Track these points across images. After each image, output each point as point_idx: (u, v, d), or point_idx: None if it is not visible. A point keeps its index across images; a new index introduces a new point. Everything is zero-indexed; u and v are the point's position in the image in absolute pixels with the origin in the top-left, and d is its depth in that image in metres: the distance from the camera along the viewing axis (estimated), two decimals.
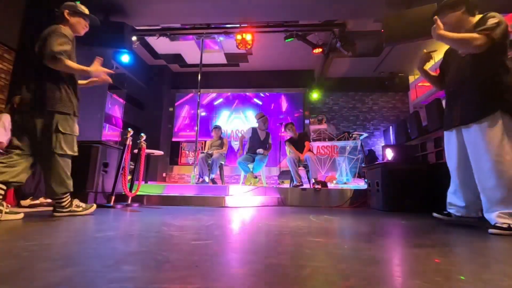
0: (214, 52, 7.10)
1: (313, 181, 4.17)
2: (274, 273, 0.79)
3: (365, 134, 6.17)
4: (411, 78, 7.60)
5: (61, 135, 1.90)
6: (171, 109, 8.30)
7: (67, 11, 2.02)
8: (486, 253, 1.20)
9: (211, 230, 1.58)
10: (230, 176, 7.36)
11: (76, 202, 2.09)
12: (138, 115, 7.55)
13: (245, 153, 4.84)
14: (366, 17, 4.80)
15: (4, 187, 1.79)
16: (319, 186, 4.00)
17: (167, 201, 3.45)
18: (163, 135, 7.78)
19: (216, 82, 8.16)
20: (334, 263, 0.92)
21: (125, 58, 5.83)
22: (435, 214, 2.08)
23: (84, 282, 0.68)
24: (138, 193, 3.28)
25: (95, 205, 2.21)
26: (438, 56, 2.87)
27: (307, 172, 4.42)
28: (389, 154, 4.63)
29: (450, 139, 1.88)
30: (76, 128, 2.02)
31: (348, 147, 5.55)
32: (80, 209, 2.08)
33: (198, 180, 4.83)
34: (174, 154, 8.07)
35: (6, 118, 2.68)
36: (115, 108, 6.95)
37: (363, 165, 5.47)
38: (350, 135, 5.72)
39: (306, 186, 4.22)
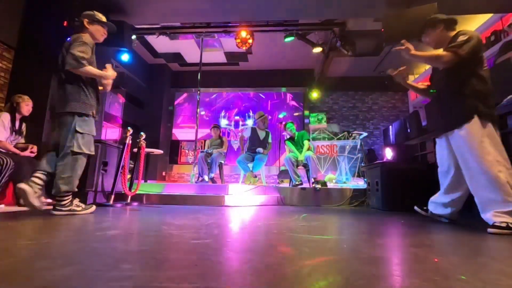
0: (214, 51, 7.10)
1: (313, 180, 4.17)
2: (274, 272, 0.79)
3: (365, 134, 6.16)
4: (411, 78, 7.60)
5: (79, 134, 2.05)
6: (170, 108, 8.29)
7: (86, 20, 2.18)
8: (485, 252, 1.20)
9: (210, 229, 1.58)
10: (229, 175, 7.37)
11: (76, 201, 2.13)
12: (137, 114, 7.54)
13: (245, 152, 4.85)
14: (366, 16, 4.79)
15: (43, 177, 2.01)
16: (319, 186, 4.00)
17: (166, 200, 3.45)
18: (162, 134, 7.78)
19: (216, 81, 8.16)
20: (333, 262, 0.92)
21: (125, 57, 5.82)
22: (416, 208, 2.28)
23: (83, 281, 0.68)
24: (138, 192, 3.28)
25: (94, 206, 2.24)
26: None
27: (307, 171, 4.42)
28: (389, 153, 4.63)
29: (441, 145, 2.02)
30: (94, 129, 2.18)
31: (347, 147, 5.55)
32: (80, 208, 2.11)
33: (197, 179, 4.83)
34: (173, 153, 8.07)
35: (6, 117, 2.67)
36: (115, 106, 6.94)
37: (362, 164, 5.47)
38: (350, 135, 5.72)
39: (305, 185, 4.22)
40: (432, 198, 2.15)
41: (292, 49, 6.63)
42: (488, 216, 1.65)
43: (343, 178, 5.51)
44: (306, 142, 4.51)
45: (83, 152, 2.08)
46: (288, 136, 4.81)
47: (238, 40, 5.43)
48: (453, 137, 1.83)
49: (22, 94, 2.84)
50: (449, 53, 1.73)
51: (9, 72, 3.64)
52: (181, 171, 7.91)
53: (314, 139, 5.99)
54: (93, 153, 2.21)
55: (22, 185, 1.89)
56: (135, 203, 3.11)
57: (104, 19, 2.26)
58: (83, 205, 2.14)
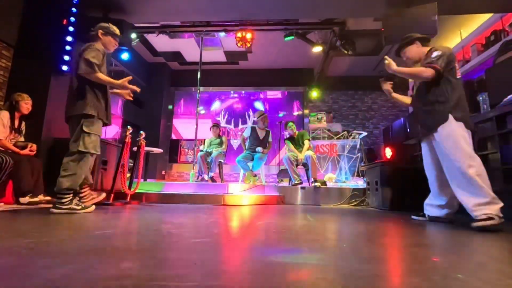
0: (214, 50, 7.08)
1: (312, 179, 4.17)
2: (273, 271, 0.79)
3: (365, 133, 6.16)
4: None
5: (85, 134, 2.14)
6: (170, 106, 8.28)
7: (101, 31, 2.35)
8: (484, 252, 1.20)
9: (210, 228, 1.58)
10: (229, 174, 7.37)
11: (76, 200, 2.14)
12: (137, 112, 7.52)
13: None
14: (366, 16, 4.79)
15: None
16: (318, 184, 4.00)
17: (166, 199, 3.45)
18: (162, 132, 7.77)
19: (215, 80, 8.15)
20: (333, 261, 0.93)
21: (124, 55, 5.80)
22: (413, 217, 2.28)
23: (82, 279, 0.68)
24: (137, 190, 3.28)
25: (93, 206, 2.25)
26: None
27: (307, 171, 4.42)
28: (388, 153, 4.63)
29: (425, 149, 2.18)
30: (100, 130, 2.27)
31: (347, 146, 5.55)
32: (79, 207, 2.11)
33: (197, 178, 4.83)
34: (173, 152, 8.07)
35: (5, 115, 2.67)
36: (114, 105, 6.92)
37: (362, 164, 5.47)
38: (350, 134, 5.72)
39: (305, 184, 4.23)
40: (427, 201, 2.20)
41: (292, 48, 6.62)
42: (470, 211, 1.74)
43: (343, 178, 5.51)
44: (306, 142, 4.52)
45: (89, 152, 2.14)
46: (288, 135, 4.81)
47: (238, 39, 5.42)
48: (433, 140, 1.99)
49: (21, 93, 2.84)
50: (430, 69, 1.91)
51: (8, 71, 3.63)
52: (180, 170, 7.91)
53: (313, 138, 5.98)
54: (99, 153, 2.27)
55: None
56: (135, 202, 3.11)
57: (117, 32, 2.44)
58: (83, 205, 2.16)
